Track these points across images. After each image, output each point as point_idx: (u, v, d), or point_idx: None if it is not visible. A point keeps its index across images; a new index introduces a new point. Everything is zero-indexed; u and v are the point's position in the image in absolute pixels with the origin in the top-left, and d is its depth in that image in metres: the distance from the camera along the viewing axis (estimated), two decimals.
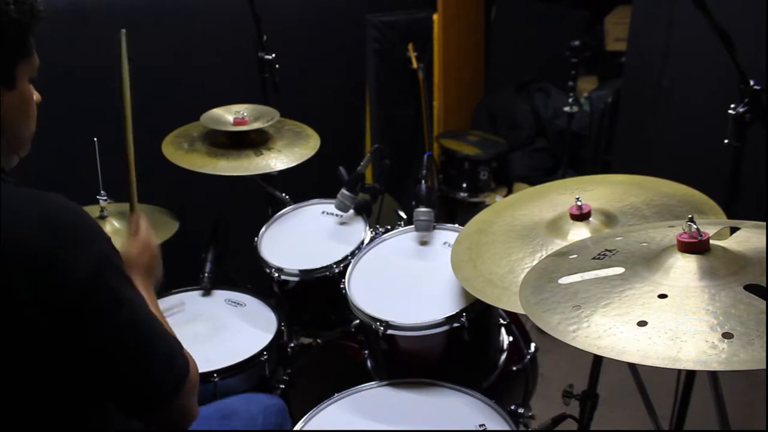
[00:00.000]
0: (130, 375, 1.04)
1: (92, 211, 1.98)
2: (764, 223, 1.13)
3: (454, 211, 3.88)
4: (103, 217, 1.97)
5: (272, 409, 1.55)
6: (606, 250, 1.17)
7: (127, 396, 1.06)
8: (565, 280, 1.11)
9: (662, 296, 0.99)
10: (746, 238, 1.10)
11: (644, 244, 1.16)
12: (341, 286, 1.77)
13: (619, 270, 1.09)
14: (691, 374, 1.62)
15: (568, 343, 0.97)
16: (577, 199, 1.47)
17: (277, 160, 2.08)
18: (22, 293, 0.93)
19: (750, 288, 0.96)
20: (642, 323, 0.94)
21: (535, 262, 1.38)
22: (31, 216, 0.96)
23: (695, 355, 0.87)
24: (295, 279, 1.92)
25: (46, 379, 0.99)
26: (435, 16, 3.70)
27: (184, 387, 1.09)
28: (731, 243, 1.09)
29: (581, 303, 1.03)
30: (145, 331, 1.05)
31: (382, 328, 1.60)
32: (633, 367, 1.65)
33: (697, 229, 1.05)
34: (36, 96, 1.13)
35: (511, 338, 1.86)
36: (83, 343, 0.99)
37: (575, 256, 1.20)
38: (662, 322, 0.94)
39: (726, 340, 0.87)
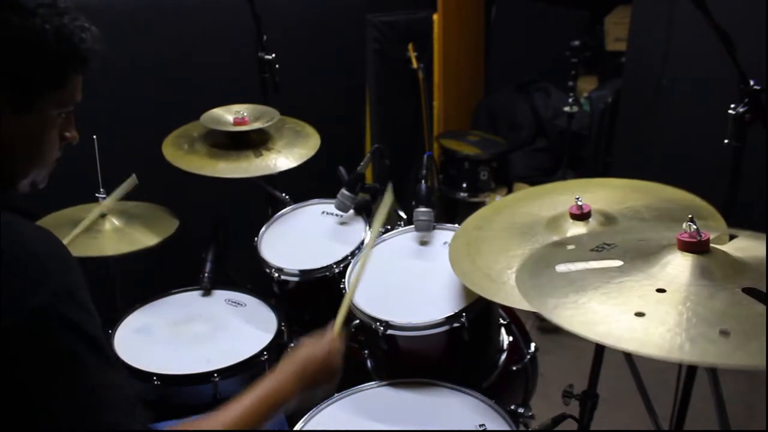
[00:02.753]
0: None
1: (91, 208, 1.98)
2: (764, 235, 1.13)
3: (454, 211, 3.88)
4: (102, 215, 1.97)
5: (274, 419, 1.54)
6: (604, 243, 1.17)
7: None
8: (561, 267, 1.11)
9: (660, 290, 0.99)
10: (744, 247, 1.10)
11: (643, 241, 1.16)
12: (341, 286, 1.77)
13: (618, 263, 1.09)
14: (691, 374, 1.62)
15: (564, 327, 0.96)
16: (577, 198, 1.47)
17: (277, 160, 2.07)
18: None
19: (748, 291, 0.96)
20: (639, 314, 0.95)
21: None
22: None
23: (692, 348, 0.88)
24: (295, 279, 1.92)
25: None
26: (435, 16, 3.70)
27: None
28: (730, 248, 1.09)
29: (578, 290, 1.03)
30: (85, 397, 0.91)
31: (382, 328, 1.60)
32: (633, 367, 1.65)
33: (697, 229, 1.05)
34: (71, 135, 1.09)
35: (511, 338, 1.86)
36: (14, 396, 0.88)
37: (573, 246, 1.20)
38: (659, 314, 0.94)
39: (722, 337, 0.88)
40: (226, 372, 1.70)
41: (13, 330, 0.87)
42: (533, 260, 1.19)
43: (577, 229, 1.45)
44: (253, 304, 2.00)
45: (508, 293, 1.34)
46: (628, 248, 1.13)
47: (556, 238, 1.44)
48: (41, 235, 0.96)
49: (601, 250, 1.14)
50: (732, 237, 1.13)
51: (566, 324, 0.96)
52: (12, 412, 0.89)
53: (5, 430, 0.90)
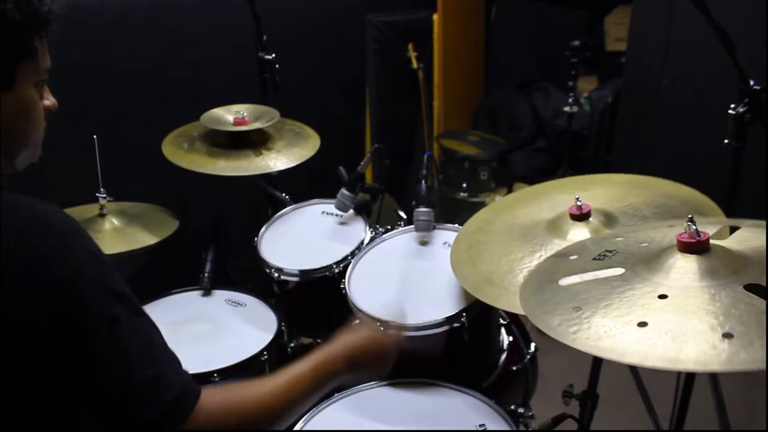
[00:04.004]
0: (109, 394, 0.94)
1: (91, 209, 1.99)
2: (764, 222, 1.13)
3: (454, 211, 3.88)
4: (102, 215, 1.97)
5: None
6: (606, 250, 1.17)
7: (113, 419, 0.95)
8: (565, 281, 1.11)
9: (662, 296, 0.99)
10: (746, 238, 1.10)
11: (644, 244, 1.15)
12: (341, 286, 1.77)
13: (620, 270, 1.09)
14: (691, 374, 1.62)
15: (568, 344, 0.97)
16: (577, 198, 1.47)
17: (277, 160, 2.07)
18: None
19: (750, 288, 0.96)
20: (642, 324, 0.94)
21: (535, 262, 1.38)
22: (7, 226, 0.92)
23: (695, 355, 0.87)
24: (295, 279, 1.91)
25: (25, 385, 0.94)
26: (435, 16, 3.71)
27: (184, 418, 0.96)
28: (731, 242, 1.09)
29: (581, 304, 1.03)
30: (126, 350, 0.95)
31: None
32: (633, 367, 1.65)
33: (696, 229, 1.05)
34: (50, 102, 1.11)
35: (511, 338, 1.86)
36: (61, 354, 0.92)
37: (575, 257, 1.20)
38: (662, 322, 0.94)
39: (726, 341, 0.87)
40: (226, 372, 1.70)
41: (49, 302, 0.90)
42: (536, 275, 1.19)
43: (577, 229, 1.44)
44: (253, 304, 2.00)
45: (510, 298, 1.33)
46: (629, 254, 1.13)
47: (557, 240, 1.44)
48: (49, 207, 0.99)
49: (602, 258, 1.14)
50: (734, 229, 1.13)
51: (570, 341, 0.96)
52: (56, 378, 0.93)
53: (51, 396, 0.94)
